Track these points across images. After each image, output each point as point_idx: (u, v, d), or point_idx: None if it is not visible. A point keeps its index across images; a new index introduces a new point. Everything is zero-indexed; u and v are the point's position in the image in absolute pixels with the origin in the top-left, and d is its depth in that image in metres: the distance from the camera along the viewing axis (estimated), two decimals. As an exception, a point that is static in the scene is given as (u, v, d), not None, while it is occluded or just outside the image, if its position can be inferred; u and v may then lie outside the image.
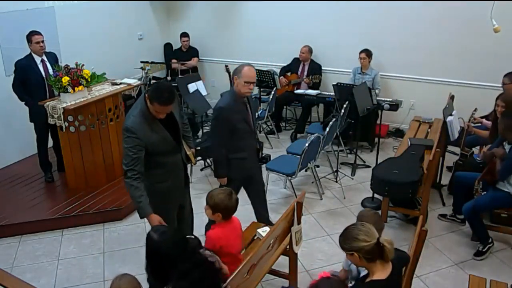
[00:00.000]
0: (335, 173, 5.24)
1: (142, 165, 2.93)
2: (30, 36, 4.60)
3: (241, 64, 3.38)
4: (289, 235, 3.12)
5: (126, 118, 3.01)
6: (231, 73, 6.44)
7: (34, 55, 4.64)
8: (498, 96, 4.28)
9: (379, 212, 4.41)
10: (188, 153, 3.38)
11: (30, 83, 4.66)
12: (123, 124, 2.96)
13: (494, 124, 4.16)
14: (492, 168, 3.79)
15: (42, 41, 4.63)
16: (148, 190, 2.98)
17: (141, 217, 3.00)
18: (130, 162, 2.89)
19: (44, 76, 4.68)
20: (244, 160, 3.55)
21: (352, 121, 5.48)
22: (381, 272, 2.15)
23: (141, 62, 6.80)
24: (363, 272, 2.38)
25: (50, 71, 4.68)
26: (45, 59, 4.73)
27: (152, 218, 2.94)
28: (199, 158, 5.27)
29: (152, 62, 6.85)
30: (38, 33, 4.62)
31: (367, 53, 6.05)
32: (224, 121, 3.36)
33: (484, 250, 3.83)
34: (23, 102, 4.74)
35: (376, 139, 5.22)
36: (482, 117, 4.85)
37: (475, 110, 4.75)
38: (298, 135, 6.44)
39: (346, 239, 2.16)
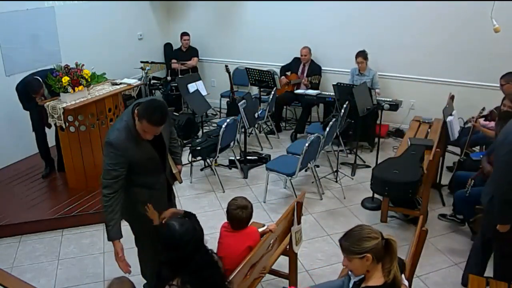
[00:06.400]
0: (335, 173, 5.24)
1: (121, 184, 2.67)
2: None
3: None
4: (289, 235, 3.13)
5: (109, 131, 2.72)
6: (230, 73, 6.47)
7: None
8: (505, 96, 4.23)
9: (380, 212, 4.42)
10: (174, 171, 3.12)
11: None
12: (106, 137, 2.67)
13: None
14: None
15: None
16: (128, 208, 2.80)
17: (108, 240, 2.77)
18: (110, 179, 2.62)
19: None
20: None
21: (352, 121, 5.48)
22: (378, 279, 2.07)
23: (141, 62, 6.81)
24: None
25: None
26: None
27: (116, 245, 2.71)
28: (199, 158, 5.26)
29: (152, 62, 6.86)
30: None
31: (364, 56, 6.00)
32: None
33: None
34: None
35: (376, 139, 5.23)
36: (481, 117, 4.84)
37: (483, 109, 4.74)
38: (298, 135, 6.43)
39: (356, 241, 2.05)
